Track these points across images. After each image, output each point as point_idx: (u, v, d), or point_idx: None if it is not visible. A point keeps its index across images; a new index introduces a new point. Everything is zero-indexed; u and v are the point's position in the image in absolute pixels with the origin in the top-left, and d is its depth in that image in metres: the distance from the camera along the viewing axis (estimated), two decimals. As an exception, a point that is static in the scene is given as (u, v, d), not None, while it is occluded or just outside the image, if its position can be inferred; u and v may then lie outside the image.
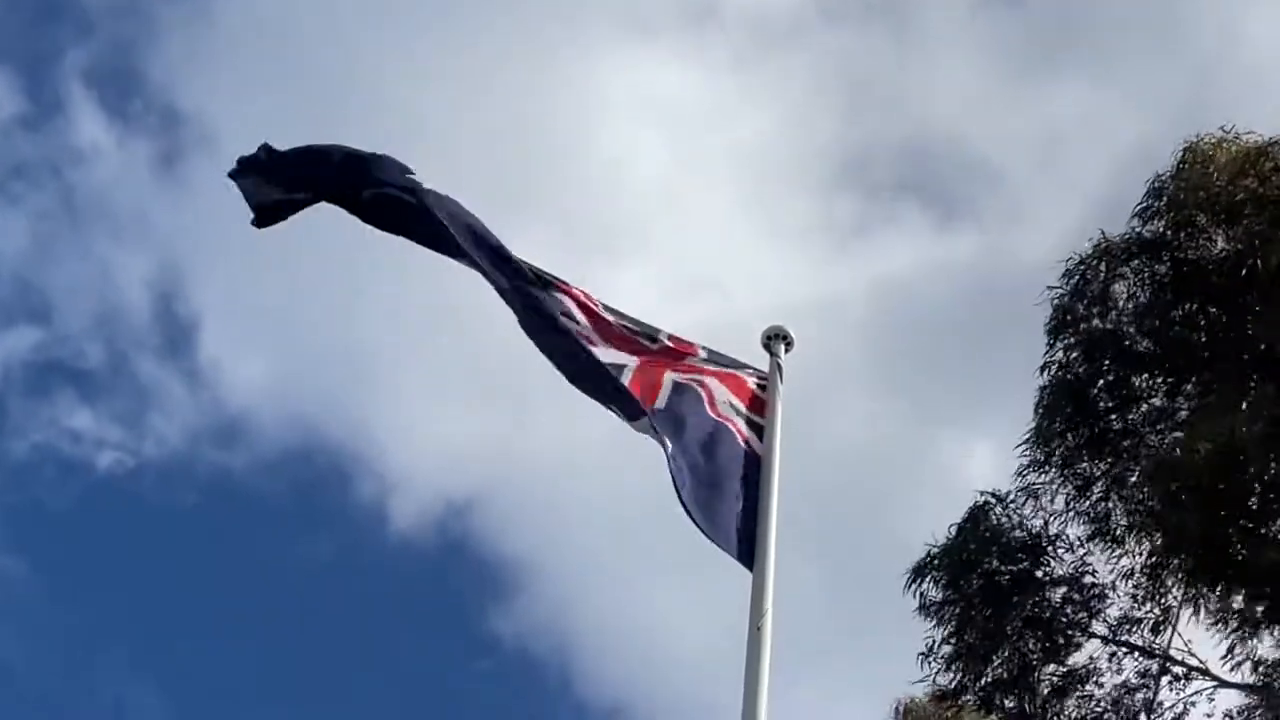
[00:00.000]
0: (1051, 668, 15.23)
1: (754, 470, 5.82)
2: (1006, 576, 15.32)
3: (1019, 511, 15.78)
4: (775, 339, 6.26)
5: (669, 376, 5.96)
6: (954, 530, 15.73)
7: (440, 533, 32.26)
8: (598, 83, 33.74)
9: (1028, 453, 15.64)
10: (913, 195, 38.75)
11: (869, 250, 35.10)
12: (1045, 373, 15.60)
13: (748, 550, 5.63)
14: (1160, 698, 15.02)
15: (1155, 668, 15.07)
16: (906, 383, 30.74)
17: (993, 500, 15.81)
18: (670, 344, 6.23)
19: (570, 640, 30.26)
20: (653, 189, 34.13)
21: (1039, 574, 15.45)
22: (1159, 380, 15.26)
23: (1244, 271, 14.33)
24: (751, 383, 6.16)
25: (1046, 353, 15.60)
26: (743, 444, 5.87)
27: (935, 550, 15.70)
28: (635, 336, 6.13)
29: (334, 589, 31.54)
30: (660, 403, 5.82)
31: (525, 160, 32.18)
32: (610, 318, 6.14)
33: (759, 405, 6.04)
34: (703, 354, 6.26)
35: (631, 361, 5.92)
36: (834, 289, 33.98)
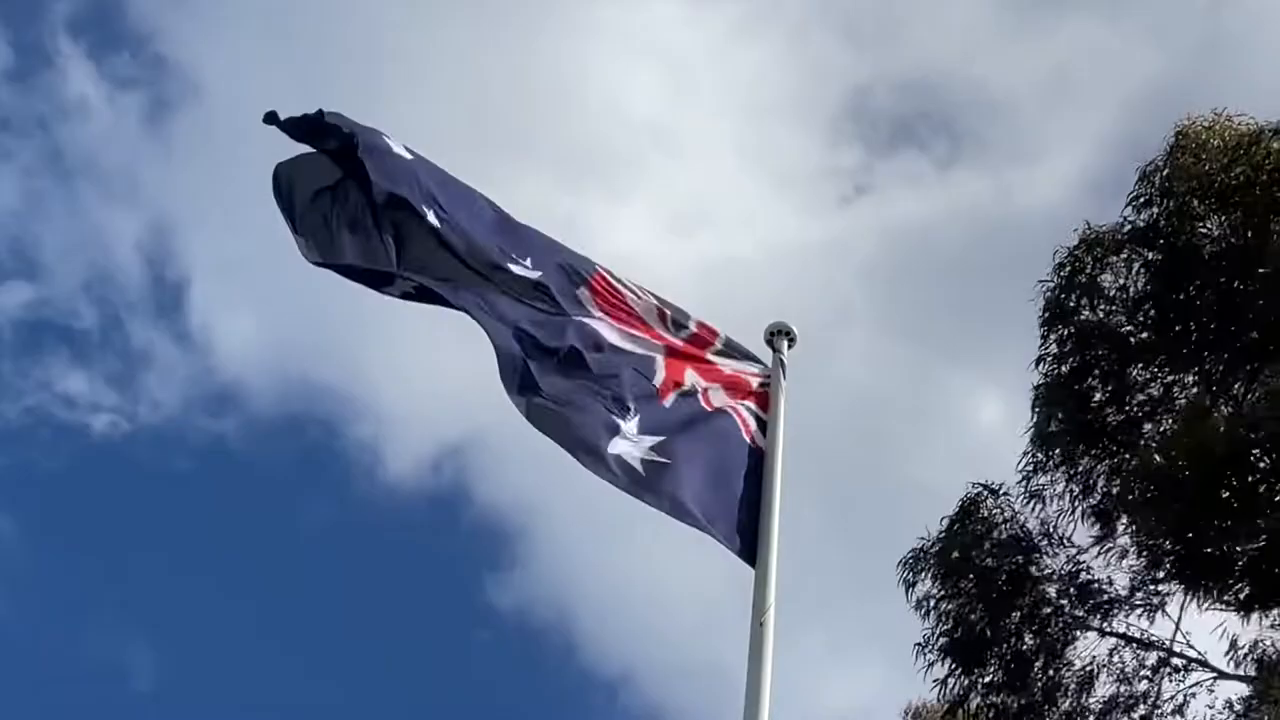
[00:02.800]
0: (1049, 662, 15.18)
1: (757, 465, 5.82)
2: (1002, 575, 15.22)
3: (1011, 505, 15.73)
4: (778, 335, 6.27)
5: (689, 372, 5.96)
6: (945, 523, 15.60)
7: (436, 482, 32.25)
8: (593, 19, 33.39)
9: (1028, 454, 15.62)
10: (917, 133, 38.25)
11: (871, 190, 34.68)
12: (1040, 366, 15.59)
13: (749, 546, 5.62)
14: (1160, 690, 14.99)
15: (1154, 660, 15.06)
16: (913, 326, 30.58)
17: (985, 492, 15.67)
18: (696, 329, 6.21)
19: (571, 606, 30.25)
20: (649, 126, 33.82)
21: (1034, 570, 15.37)
22: (1156, 370, 15.20)
23: (1241, 259, 14.30)
24: (756, 380, 6.15)
25: (1041, 345, 15.60)
26: (747, 438, 5.86)
27: (927, 544, 15.61)
28: (655, 323, 6.10)
29: (330, 556, 31.64)
30: (682, 391, 5.82)
31: (522, 98, 31.87)
32: (640, 297, 6.11)
33: (763, 400, 6.04)
34: (721, 344, 6.24)
35: (658, 354, 5.91)
36: (835, 229, 33.74)
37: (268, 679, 29.70)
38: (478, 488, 30.13)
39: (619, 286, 6.15)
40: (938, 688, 15.17)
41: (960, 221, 32.62)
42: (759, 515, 5.66)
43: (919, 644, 15.24)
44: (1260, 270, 14.11)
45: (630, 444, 5.45)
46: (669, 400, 5.78)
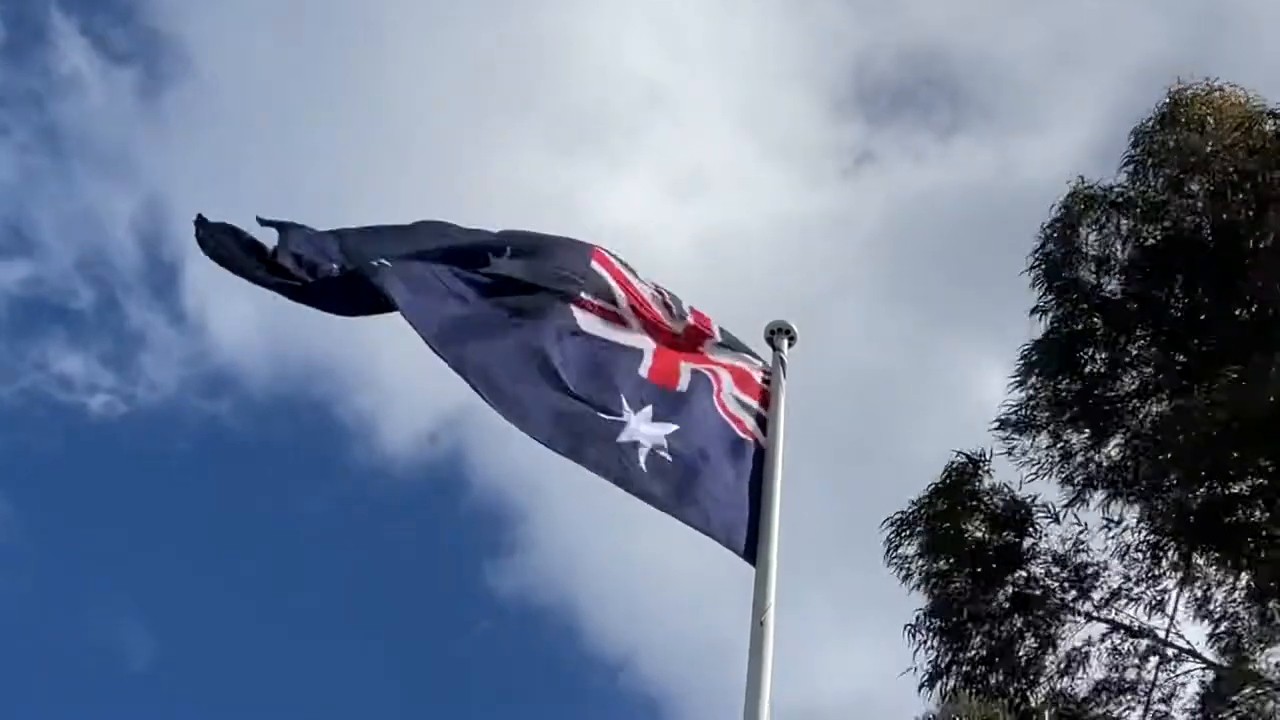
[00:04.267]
0: (1037, 644, 15.12)
1: (759, 464, 5.79)
2: (991, 549, 15.10)
3: (995, 478, 15.53)
4: (778, 333, 6.24)
5: (685, 365, 5.91)
6: (930, 491, 15.37)
7: (434, 456, 32.18)
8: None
9: (1016, 408, 15.43)
10: (919, 101, 37.70)
11: (872, 159, 34.37)
12: (1038, 316, 15.37)
13: (750, 544, 5.60)
14: (1149, 678, 14.97)
15: (1144, 647, 15.05)
16: (914, 296, 30.43)
17: (969, 463, 15.43)
18: (692, 321, 6.16)
19: (571, 589, 30.21)
20: (648, 92, 33.52)
21: (1025, 546, 15.27)
22: (1150, 348, 15.11)
23: (1240, 243, 14.25)
24: (758, 376, 6.12)
25: (1039, 299, 15.38)
26: (751, 440, 5.83)
27: (913, 511, 15.39)
28: (659, 309, 6.05)
29: (328, 537, 31.58)
30: (682, 385, 5.78)
31: (521, 65, 31.59)
32: (635, 284, 6.06)
33: (763, 397, 6.01)
34: (718, 336, 6.21)
35: (649, 346, 5.86)
36: (836, 198, 33.51)
37: (265, 660, 29.79)
38: (476, 460, 29.98)
39: (619, 268, 6.10)
40: (924, 669, 15.12)
41: (963, 191, 32.43)
42: (759, 514, 5.65)
43: (910, 625, 15.17)
44: (1256, 250, 14.05)
45: (639, 436, 5.43)
46: (680, 387, 5.76)
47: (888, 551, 15.39)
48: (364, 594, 30.75)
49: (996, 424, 15.52)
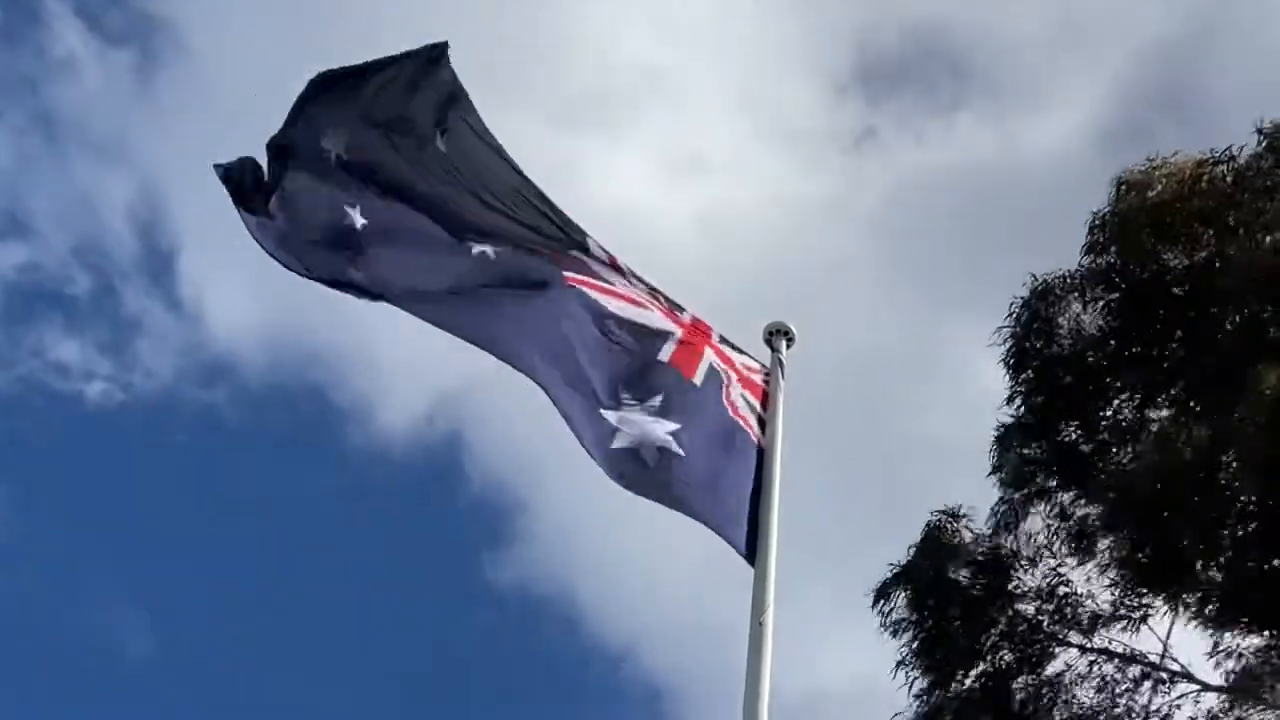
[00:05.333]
0: (1028, 679, 15.25)
1: (759, 462, 5.81)
2: (974, 591, 15.36)
3: (975, 529, 15.84)
4: (777, 334, 6.27)
5: (708, 353, 5.94)
6: (911, 551, 15.73)
7: (431, 439, 31.79)
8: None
9: (997, 489, 15.79)
10: (921, 79, 36.73)
11: (873, 138, 34.17)
12: (1011, 404, 15.74)
13: (751, 545, 5.60)
14: (1144, 703, 15.06)
15: (1138, 673, 15.13)
16: (914, 279, 30.32)
17: (948, 519, 15.84)
18: (693, 320, 6.20)
19: (571, 581, 29.81)
20: (646, 69, 33.33)
21: (1010, 587, 15.48)
22: (1124, 399, 15.35)
23: (1203, 285, 14.53)
24: (758, 377, 6.15)
25: (1011, 386, 15.73)
26: (754, 441, 5.85)
27: (897, 569, 15.72)
28: (669, 305, 6.08)
29: (327, 527, 31.14)
30: (698, 378, 5.79)
31: (518, 41, 31.41)
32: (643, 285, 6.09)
33: (765, 399, 6.04)
34: (716, 338, 6.23)
35: (675, 331, 5.88)
36: (837, 177, 33.38)
37: (264, 651, 29.42)
38: (474, 445, 29.66)
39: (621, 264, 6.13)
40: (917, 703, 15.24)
41: (965, 171, 32.36)
42: (759, 514, 5.66)
43: (900, 662, 15.34)
44: (1223, 290, 14.31)
45: (642, 429, 5.44)
46: (696, 380, 5.77)
47: (880, 617, 15.71)
48: (362, 584, 30.58)
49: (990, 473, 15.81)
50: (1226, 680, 14.58)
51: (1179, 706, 14.96)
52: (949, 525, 15.83)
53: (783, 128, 35.00)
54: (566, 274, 5.78)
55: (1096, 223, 15.54)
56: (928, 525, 15.80)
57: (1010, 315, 15.80)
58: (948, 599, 15.31)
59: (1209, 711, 14.76)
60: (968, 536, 15.78)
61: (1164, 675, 14.99)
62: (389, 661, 29.27)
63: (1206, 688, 14.80)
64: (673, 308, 6.18)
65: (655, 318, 5.99)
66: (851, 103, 34.88)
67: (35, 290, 30.12)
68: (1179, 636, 15.07)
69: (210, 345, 32.09)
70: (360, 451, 31.46)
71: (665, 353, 5.85)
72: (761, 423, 5.96)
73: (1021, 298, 15.78)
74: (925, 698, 15.24)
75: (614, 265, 6.04)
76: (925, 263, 31.17)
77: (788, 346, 6.25)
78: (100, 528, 29.53)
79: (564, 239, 5.92)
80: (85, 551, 29.27)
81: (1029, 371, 15.73)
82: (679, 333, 5.95)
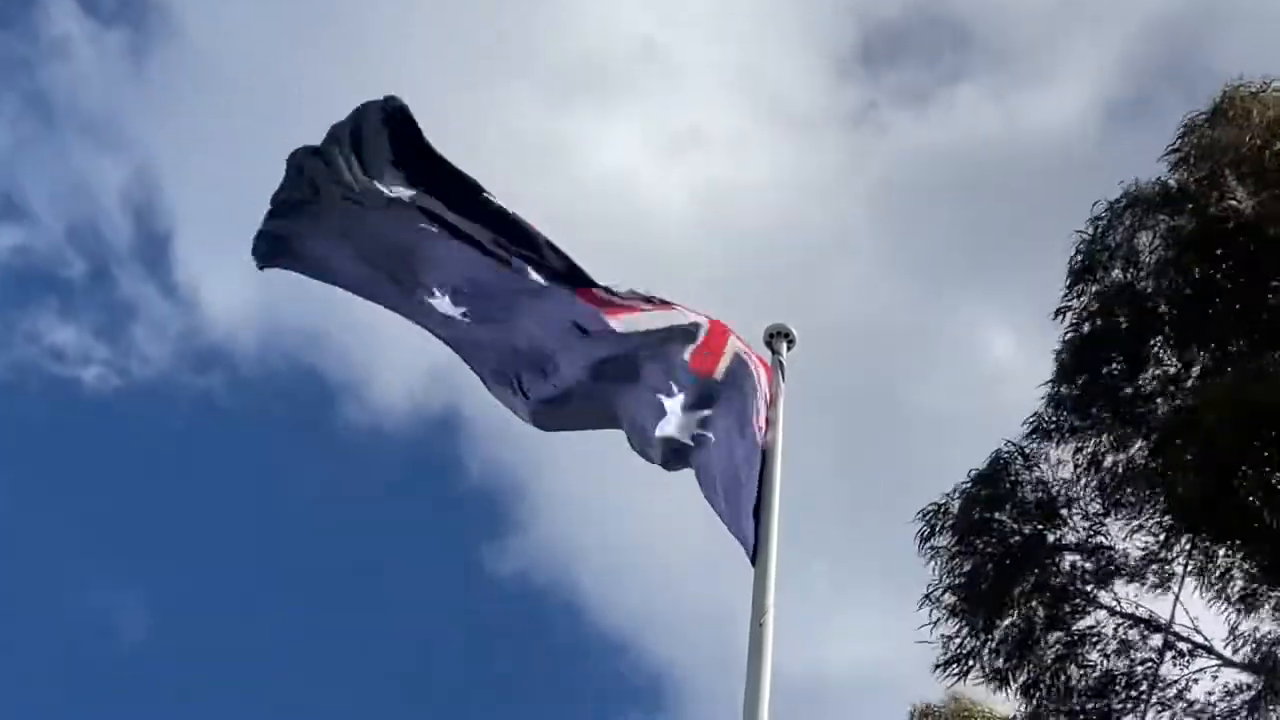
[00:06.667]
0: (1057, 635, 15.25)
1: (764, 462, 5.83)
2: (1017, 538, 15.27)
3: (1038, 468, 15.66)
4: (777, 336, 6.26)
5: (733, 343, 5.97)
6: (973, 475, 15.63)
7: (429, 419, 32.12)
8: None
9: (1044, 415, 15.54)
10: (922, 52, 36.68)
11: (874, 111, 33.88)
12: (1062, 318, 15.46)
13: (753, 544, 5.64)
14: (1163, 673, 15.03)
15: (1160, 642, 15.06)
16: (918, 253, 30.06)
17: (1015, 452, 15.66)
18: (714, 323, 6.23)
19: (572, 569, 30.10)
20: (642, 43, 33.11)
21: (1051, 538, 15.38)
22: (1172, 345, 15.05)
23: (1267, 237, 14.15)
24: (765, 377, 6.15)
25: (1064, 297, 15.46)
26: (761, 439, 5.88)
27: (950, 498, 15.66)
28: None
29: (325, 513, 31.53)
30: (719, 374, 5.81)
31: (514, 16, 31.28)
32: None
33: (771, 401, 6.04)
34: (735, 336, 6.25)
35: (703, 321, 5.90)
36: (837, 151, 33.09)
37: (261, 638, 29.96)
38: (473, 428, 29.93)
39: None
40: (942, 645, 15.30)
41: (967, 145, 31.91)
42: (761, 516, 5.69)
43: (926, 596, 15.39)
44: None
45: (678, 419, 5.48)
46: (717, 374, 5.79)
47: (920, 541, 15.61)
48: (360, 571, 30.89)
49: (1029, 429, 15.63)
50: (1252, 656, 14.44)
51: (1197, 680, 15.00)
52: (1015, 461, 15.60)
53: (782, 103, 34.51)
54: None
55: (1187, 126, 15.12)
56: (994, 455, 15.60)
57: (1090, 220, 15.41)
58: (992, 539, 15.18)
59: (1226, 687, 14.67)
60: (1029, 476, 15.57)
61: (1185, 647, 14.90)
62: (387, 648, 29.65)
63: (1227, 663, 14.70)
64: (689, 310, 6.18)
65: (678, 315, 6.01)
66: (852, 78, 34.35)
67: (30, 273, 30.31)
68: (1198, 609, 15.02)
69: (206, 330, 32.31)
70: (357, 436, 31.62)
71: (688, 350, 5.87)
72: (767, 423, 5.97)
73: (1108, 200, 15.35)
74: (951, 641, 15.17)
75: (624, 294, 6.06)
76: (926, 238, 30.76)
77: (788, 348, 6.22)
78: (96, 511, 29.95)
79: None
80: (81, 535, 29.59)
81: (1088, 288, 15.39)
82: (704, 327, 5.96)
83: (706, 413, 5.62)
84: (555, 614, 30.43)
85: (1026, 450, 15.75)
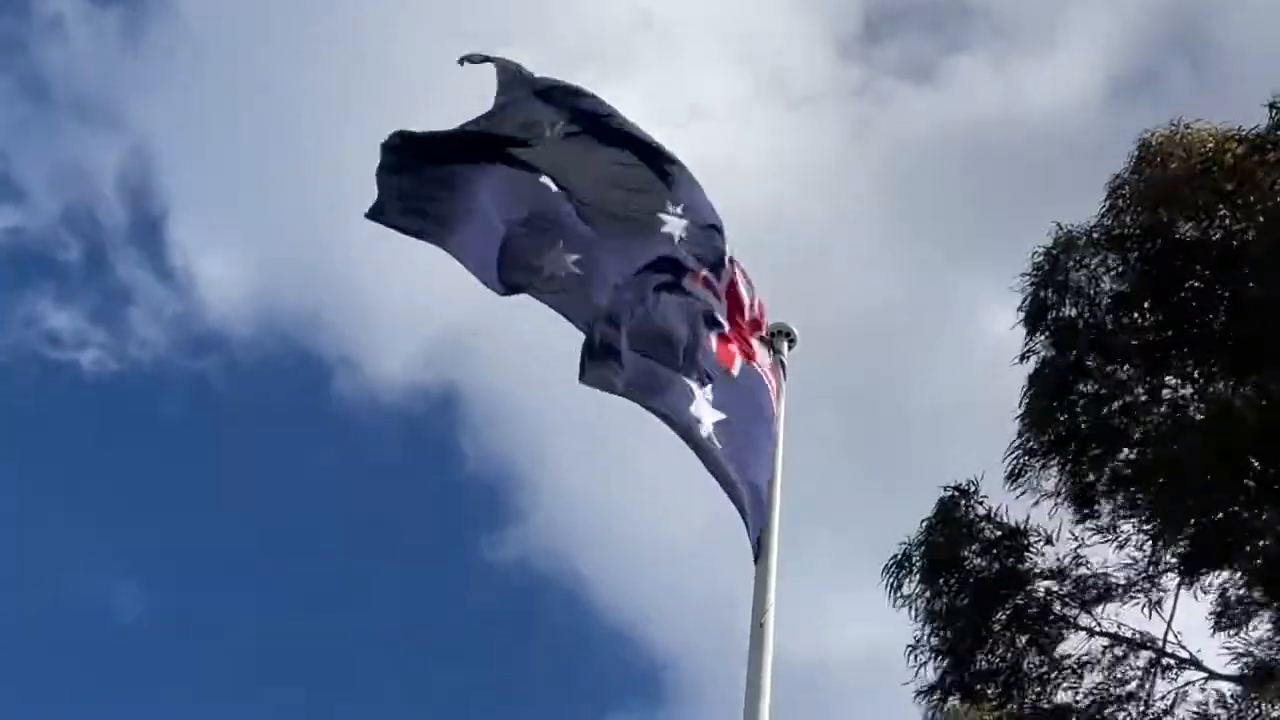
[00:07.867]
0: (1040, 660, 15.28)
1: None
2: (987, 573, 15.31)
3: (986, 505, 15.73)
4: (778, 336, 6.26)
5: (755, 343, 5.97)
6: (924, 526, 15.69)
7: (427, 403, 31.81)
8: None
9: (1015, 457, 15.65)
10: (924, 26, 36.82)
11: (875, 87, 33.87)
12: (1025, 362, 15.63)
13: (757, 544, 5.64)
14: (1151, 689, 15.09)
15: (1147, 659, 15.18)
16: (919, 231, 30.07)
17: (959, 495, 15.70)
18: (759, 313, 6.21)
19: (574, 554, 29.81)
20: (641, 15, 33.04)
21: (1023, 568, 15.44)
22: (1140, 371, 15.25)
23: (1218, 262, 14.42)
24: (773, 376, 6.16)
25: (1026, 341, 15.63)
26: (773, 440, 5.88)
27: (909, 546, 15.70)
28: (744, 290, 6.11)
29: (323, 498, 31.26)
30: (736, 370, 5.80)
31: None
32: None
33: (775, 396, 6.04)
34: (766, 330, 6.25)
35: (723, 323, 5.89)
36: (837, 129, 33.07)
37: (257, 624, 29.81)
38: (473, 412, 29.71)
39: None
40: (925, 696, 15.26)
41: (971, 120, 32.06)
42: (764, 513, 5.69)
43: (910, 645, 15.35)
44: (1245, 271, 14.22)
45: (704, 412, 5.46)
46: (735, 372, 5.77)
47: (890, 592, 15.68)
48: (358, 558, 30.69)
49: (1006, 476, 15.72)
50: (1242, 671, 14.60)
51: (1185, 694, 15.03)
52: (961, 502, 15.68)
53: (781, 77, 34.61)
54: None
55: (1113, 187, 15.42)
56: (940, 500, 15.66)
57: (1030, 266, 15.63)
58: (960, 579, 15.26)
59: (1218, 698, 14.81)
60: (981, 511, 15.65)
61: (1171, 661, 15.04)
62: (386, 636, 29.49)
63: (1214, 676, 14.85)
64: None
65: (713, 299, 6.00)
66: (854, 54, 34.50)
67: (26, 256, 30.16)
68: (1187, 623, 15.11)
69: (202, 313, 32.20)
70: (356, 421, 31.54)
71: (713, 341, 5.86)
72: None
73: (1044, 248, 15.61)
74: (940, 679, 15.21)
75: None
76: (930, 216, 31.00)
77: (789, 348, 6.24)
78: (92, 494, 29.96)
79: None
80: (78, 518, 29.42)
81: (1045, 329, 15.57)
82: (725, 325, 5.96)
83: (723, 409, 5.61)
84: (556, 602, 30.20)
85: (968, 490, 15.81)
